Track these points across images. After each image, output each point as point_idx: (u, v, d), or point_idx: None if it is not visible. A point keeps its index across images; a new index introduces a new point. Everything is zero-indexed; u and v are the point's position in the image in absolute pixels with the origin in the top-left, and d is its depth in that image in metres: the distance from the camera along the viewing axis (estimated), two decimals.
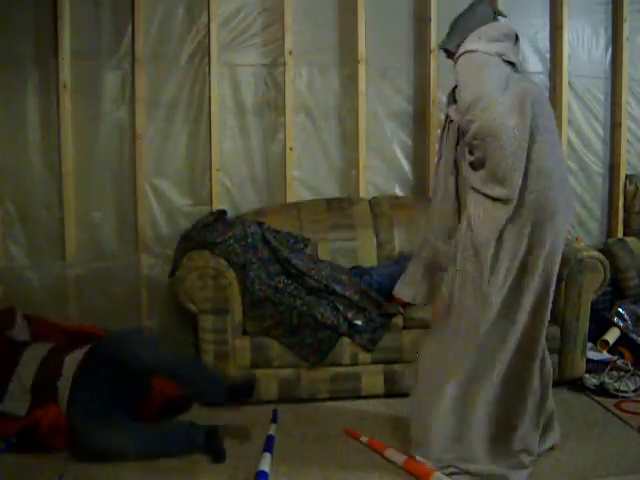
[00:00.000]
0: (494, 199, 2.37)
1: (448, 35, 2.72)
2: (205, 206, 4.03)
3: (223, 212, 3.79)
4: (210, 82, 3.99)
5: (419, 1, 4.20)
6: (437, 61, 4.15)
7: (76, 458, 2.71)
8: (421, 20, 4.19)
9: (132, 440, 2.73)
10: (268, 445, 2.80)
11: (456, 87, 2.56)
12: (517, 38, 2.64)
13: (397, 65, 4.23)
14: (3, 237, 3.98)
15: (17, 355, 3.12)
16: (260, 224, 3.66)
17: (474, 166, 2.45)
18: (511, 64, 2.52)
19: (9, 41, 3.91)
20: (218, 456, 2.73)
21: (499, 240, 2.40)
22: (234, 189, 4.11)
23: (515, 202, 2.36)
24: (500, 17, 2.75)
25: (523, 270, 2.45)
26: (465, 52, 2.51)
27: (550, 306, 2.55)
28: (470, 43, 2.53)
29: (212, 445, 2.77)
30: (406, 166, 4.26)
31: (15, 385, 2.99)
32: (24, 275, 3.98)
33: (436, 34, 4.14)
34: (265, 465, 2.62)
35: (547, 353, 2.68)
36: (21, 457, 2.75)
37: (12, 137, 3.95)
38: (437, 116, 4.20)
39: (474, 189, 2.43)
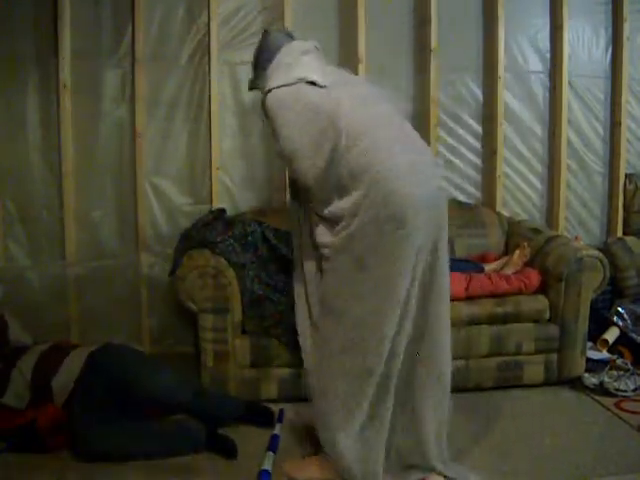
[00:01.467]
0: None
1: (253, 74, 2.83)
2: (205, 205, 4.03)
3: (223, 211, 3.79)
4: (210, 81, 3.99)
5: (419, 1, 4.20)
6: (438, 61, 4.15)
7: (76, 458, 2.71)
8: (421, 20, 4.19)
9: (132, 440, 2.74)
10: (272, 444, 2.79)
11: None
12: (317, 48, 2.76)
13: (397, 64, 4.23)
14: (3, 237, 3.99)
15: (20, 351, 3.15)
16: (260, 223, 3.66)
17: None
18: (313, 83, 2.55)
19: (9, 40, 3.91)
20: (230, 452, 2.73)
21: None
22: (234, 188, 4.12)
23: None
24: (292, 38, 2.83)
25: None
26: (268, 92, 2.58)
27: None
28: (271, 80, 2.59)
29: (221, 441, 2.76)
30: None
31: (16, 377, 3.01)
32: (24, 275, 3.99)
33: (436, 34, 4.15)
34: (268, 464, 2.62)
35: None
36: (21, 457, 2.75)
37: (12, 137, 3.96)
38: (437, 115, 4.20)
39: None
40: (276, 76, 2.58)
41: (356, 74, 4.06)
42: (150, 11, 3.99)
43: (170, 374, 2.90)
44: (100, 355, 2.96)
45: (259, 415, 3.05)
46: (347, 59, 4.10)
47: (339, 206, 2.44)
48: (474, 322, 3.35)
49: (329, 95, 2.51)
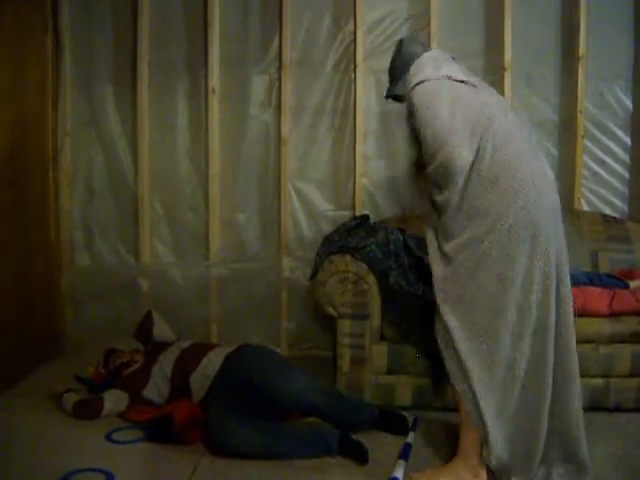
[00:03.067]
0: None
1: (391, 83, 2.81)
2: (348, 211, 4.08)
3: (367, 217, 3.80)
4: (355, 88, 4.03)
5: (567, 8, 4.09)
6: (585, 69, 4.04)
7: (211, 452, 2.76)
8: (569, 27, 4.09)
9: (267, 440, 2.75)
10: (404, 453, 2.76)
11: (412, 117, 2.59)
12: (454, 58, 2.72)
13: (543, 73, 4.13)
14: (150, 235, 4.15)
15: (162, 347, 3.26)
16: (402, 230, 3.65)
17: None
18: (462, 82, 2.51)
19: (162, 49, 4.11)
20: (361, 457, 2.70)
21: None
22: (377, 194, 4.13)
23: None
24: (426, 47, 2.82)
25: None
26: (416, 84, 2.53)
27: None
28: (415, 76, 2.56)
29: (353, 446, 2.75)
30: (550, 176, 4.16)
31: (157, 372, 3.14)
32: (169, 272, 4.14)
33: (585, 41, 4.03)
34: (399, 472, 2.58)
35: None
36: (158, 447, 2.83)
37: (163, 140, 4.14)
38: (584, 125, 4.10)
39: None
40: (422, 73, 2.57)
41: (501, 81, 4.03)
42: (297, 20, 4.07)
43: (305, 378, 2.92)
44: (237, 356, 3.02)
45: (393, 422, 3.01)
46: (492, 66, 4.06)
47: (479, 204, 2.41)
48: (616, 340, 3.23)
49: (478, 95, 2.51)
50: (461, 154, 2.40)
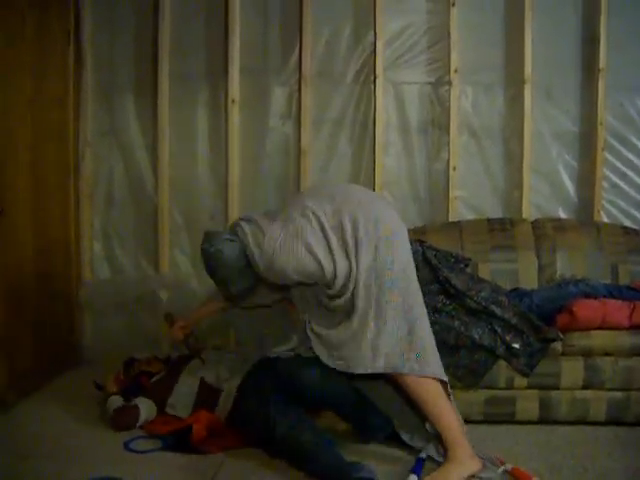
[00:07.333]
0: None
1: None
2: None
3: None
4: (375, 100, 4.03)
5: (588, 20, 4.08)
6: (605, 81, 4.03)
7: (230, 461, 2.76)
8: (589, 39, 4.08)
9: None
10: (417, 467, 2.71)
11: None
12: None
13: (563, 85, 4.12)
14: (170, 245, 4.16)
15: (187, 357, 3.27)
16: (421, 242, 3.64)
17: None
18: None
19: (183, 60, 4.14)
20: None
21: None
22: (397, 206, 4.09)
23: None
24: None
25: None
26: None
27: None
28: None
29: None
30: (571, 188, 4.14)
31: (182, 382, 3.15)
32: (188, 283, 4.14)
33: (605, 53, 4.01)
34: None
35: None
36: (176, 456, 2.82)
37: (183, 150, 4.16)
38: (604, 137, 4.08)
39: None
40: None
41: (521, 94, 4.03)
42: (317, 30, 4.08)
43: (334, 375, 2.85)
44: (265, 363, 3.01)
45: None
46: (512, 79, 4.06)
47: None
48: (637, 353, 3.19)
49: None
50: None
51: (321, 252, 2.59)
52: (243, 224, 2.76)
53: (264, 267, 2.68)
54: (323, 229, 2.61)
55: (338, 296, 2.65)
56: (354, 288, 2.60)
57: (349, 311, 2.65)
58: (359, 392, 2.92)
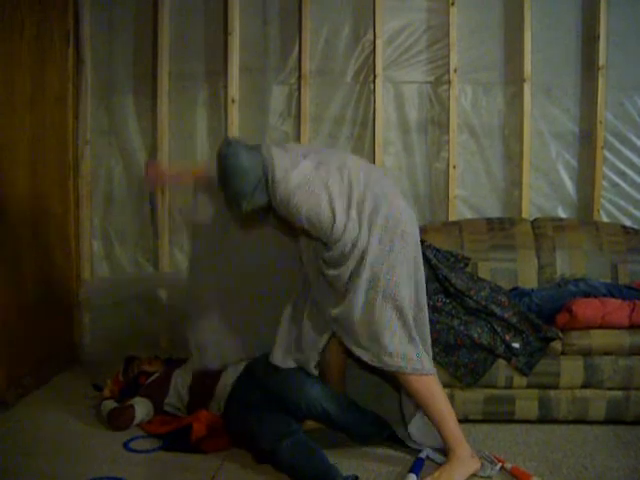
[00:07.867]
0: None
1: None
2: None
3: None
4: (375, 98, 4.03)
5: (587, 18, 4.08)
6: (605, 80, 4.03)
7: (230, 461, 2.76)
8: (589, 37, 4.08)
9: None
10: (416, 467, 2.71)
11: None
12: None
13: (563, 84, 4.12)
14: (170, 245, 4.16)
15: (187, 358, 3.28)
16: (421, 242, 3.63)
17: None
18: None
19: (182, 59, 4.13)
20: None
21: None
22: None
23: None
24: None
25: None
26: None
27: None
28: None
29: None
30: (570, 187, 4.14)
31: (178, 381, 3.16)
32: None
33: (605, 51, 4.01)
34: None
35: None
36: (175, 456, 2.82)
37: (182, 149, 4.16)
38: (604, 136, 4.07)
39: None
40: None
41: (521, 93, 4.03)
42: (317, 29, 4.08)
43: (319, 385, 2.89)
44: (255, 365, 3.03)
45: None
46: (512, 77, 4.06)
47: None
48: (636, 352, 3.19)
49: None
50: None
51: (339, 208, 2.53)
52: (270, 145, 2.68)
53: (280, 196, 2.56)
54: (350, 194, 2.57)
55: (334, 265, 2.63)
56: (359, 266, 2.58)
57: (347, 289, 2.62)
58: (355, 404, 2.94)
